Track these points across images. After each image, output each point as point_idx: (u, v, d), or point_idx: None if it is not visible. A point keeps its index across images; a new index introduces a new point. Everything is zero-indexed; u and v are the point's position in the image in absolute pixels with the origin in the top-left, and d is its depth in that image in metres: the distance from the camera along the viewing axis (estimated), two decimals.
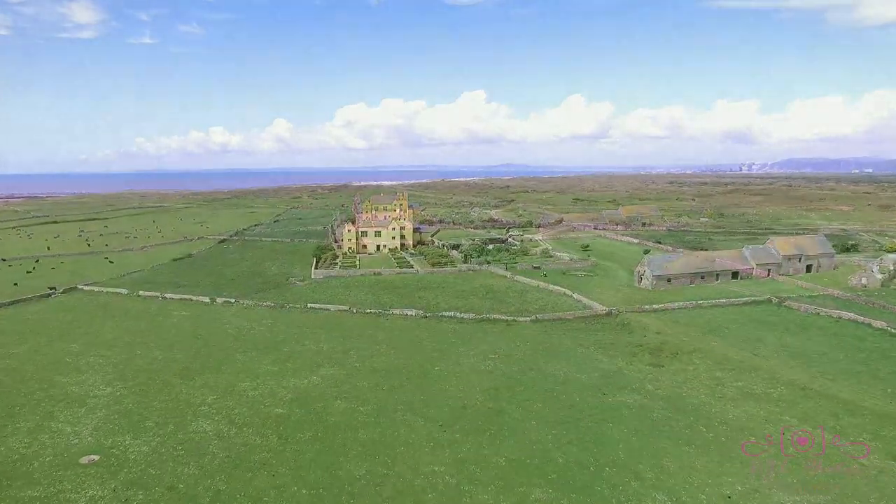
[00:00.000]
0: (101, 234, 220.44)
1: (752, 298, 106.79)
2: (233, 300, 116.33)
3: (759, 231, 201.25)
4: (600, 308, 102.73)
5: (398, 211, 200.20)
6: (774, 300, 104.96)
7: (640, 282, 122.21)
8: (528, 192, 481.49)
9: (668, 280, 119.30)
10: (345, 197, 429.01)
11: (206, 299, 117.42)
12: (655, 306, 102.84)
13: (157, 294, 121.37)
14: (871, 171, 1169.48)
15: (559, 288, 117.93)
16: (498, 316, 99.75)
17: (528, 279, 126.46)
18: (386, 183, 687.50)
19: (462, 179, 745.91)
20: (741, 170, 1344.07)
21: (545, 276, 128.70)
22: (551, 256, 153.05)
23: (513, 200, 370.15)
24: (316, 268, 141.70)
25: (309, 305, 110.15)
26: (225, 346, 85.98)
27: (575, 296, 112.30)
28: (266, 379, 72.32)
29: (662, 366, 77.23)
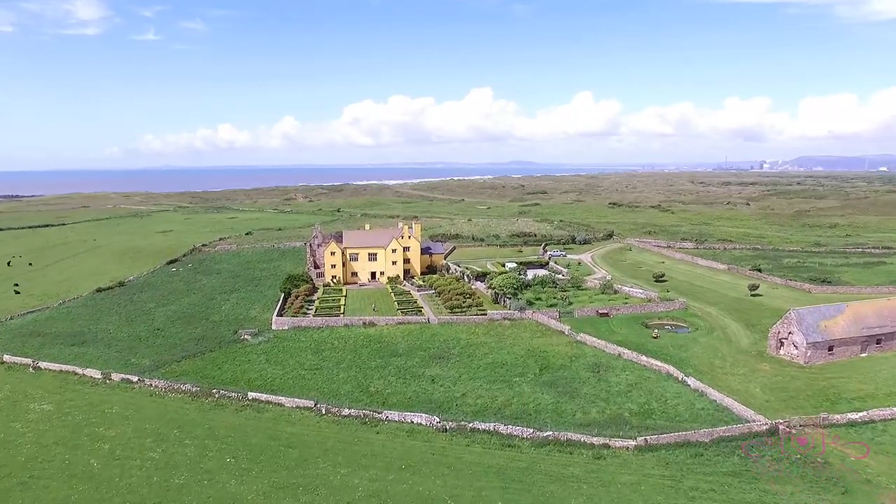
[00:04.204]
0: (43, 248, 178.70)
1: None
2: (135, 378, 73.46)
3: (879, 252, 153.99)
4: (753, 418, 58.15)
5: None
6: None
7: (779, 347, 77.76)
8: (545, 192, 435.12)
9: (830, 348, 74.91)
10: (342, 199, 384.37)
11: (98, 374, 74.78)
12: (851, 416, 58.10)
13: (30, 361, 79.39)
14: (885, 169, 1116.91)
15: (657, 363, 73.38)
16: (574, 436, 55.49)
17: (601, 341, 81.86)
18: (390, 182, 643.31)
19: (472, 179, 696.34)
20: (751, 168, 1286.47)
21: (668, 333, 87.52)
22: (617, 292, 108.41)
23: (537, 203, 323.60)
24: (280, 312, 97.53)
25: (250, 396, 66.60)
26: None
27: (690, 382, 67.75)
28: None
29: None
